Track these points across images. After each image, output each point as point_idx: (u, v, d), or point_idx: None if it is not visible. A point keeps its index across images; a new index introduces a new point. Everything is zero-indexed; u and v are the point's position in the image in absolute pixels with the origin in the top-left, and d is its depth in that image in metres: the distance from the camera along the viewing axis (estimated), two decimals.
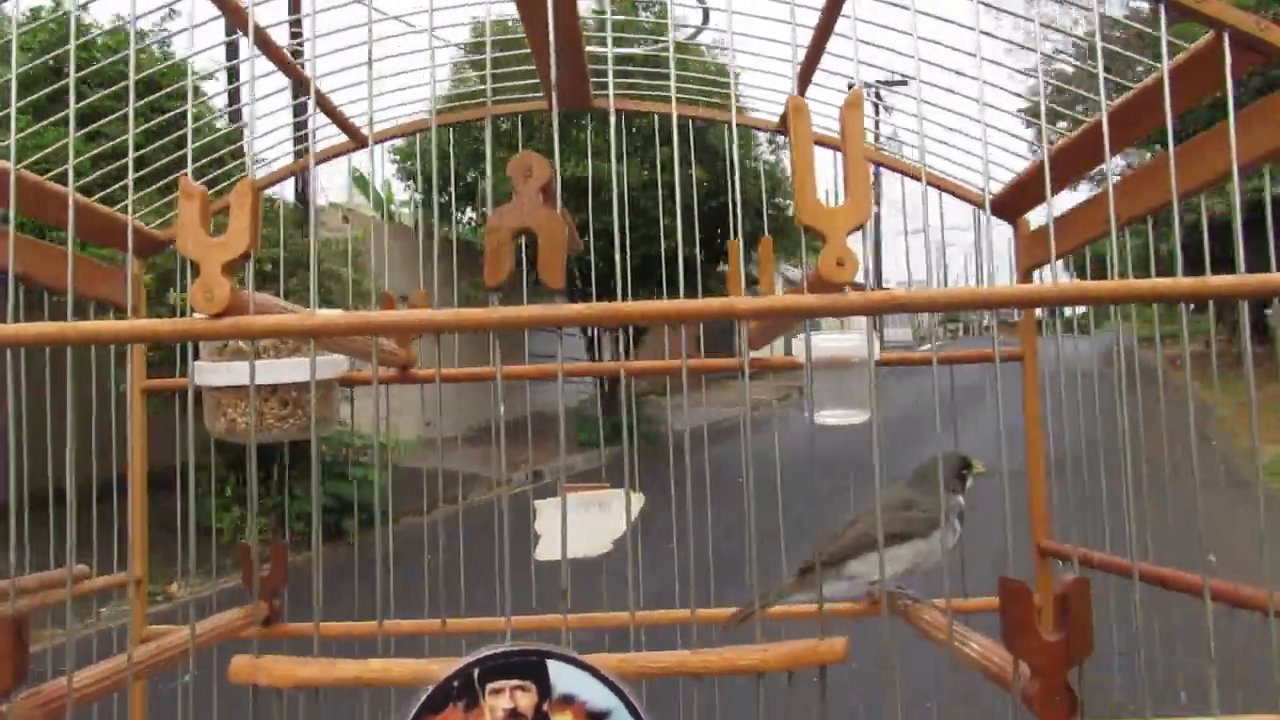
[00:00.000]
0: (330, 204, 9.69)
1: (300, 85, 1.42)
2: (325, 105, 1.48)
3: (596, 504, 1.56)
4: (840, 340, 1.55)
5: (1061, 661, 0.88)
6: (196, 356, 1.43)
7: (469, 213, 12.30)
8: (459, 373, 1.67)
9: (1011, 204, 1.53)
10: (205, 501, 5.35)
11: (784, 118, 0.92)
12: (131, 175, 1.31)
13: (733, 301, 0.90)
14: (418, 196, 12.39)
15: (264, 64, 1.42)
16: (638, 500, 1.58)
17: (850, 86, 0.97)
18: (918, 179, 1.14)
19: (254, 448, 1.00)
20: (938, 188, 1.54)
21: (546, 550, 1.54)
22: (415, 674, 0.86)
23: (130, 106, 1.11)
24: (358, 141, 1.61)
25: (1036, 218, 1.62)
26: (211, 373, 1.38)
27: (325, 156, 1.65)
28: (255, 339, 0.90)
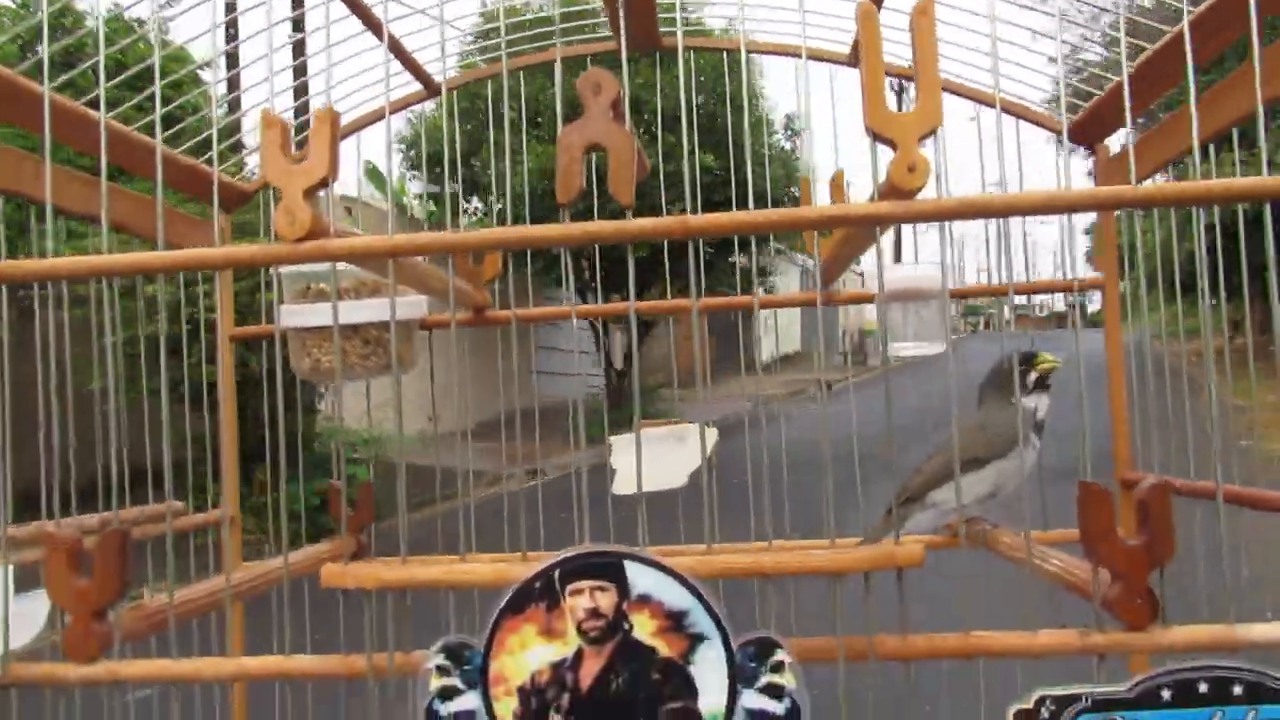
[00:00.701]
0: (342, 196, 9.64)
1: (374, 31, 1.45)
2: (398, 50, 1.51)
3: (673, 438, 1.57)
4: (914, 272, 1.53)
5: (1142, 565, 0.88)
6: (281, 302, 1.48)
7: (475, 202, 11.98)
8: (535, 313, 1.69)
9: (1090, 129, 1.50)
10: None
11: (855, 46, 0.91)
12: (216, 125, 1.35)
13: (802, 211, 0.91)
14: (431, 187, 12.14)
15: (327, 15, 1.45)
16: (712, 435, 1.59)
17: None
18: (991, 105, 1.13)
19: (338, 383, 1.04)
20: (1013, 114, 1.52)
21: (623, 485, 1.56)
22: (498, 576, 0.88)
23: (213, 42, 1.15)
24: (430, 90, 1.64)
25: (1116, 144, 1.59)
26: (297, 315, 1.43)
27: (399, 106, 1.68)
28: (336, 260, 0.93)
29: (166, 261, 0.95)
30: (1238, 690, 0.88)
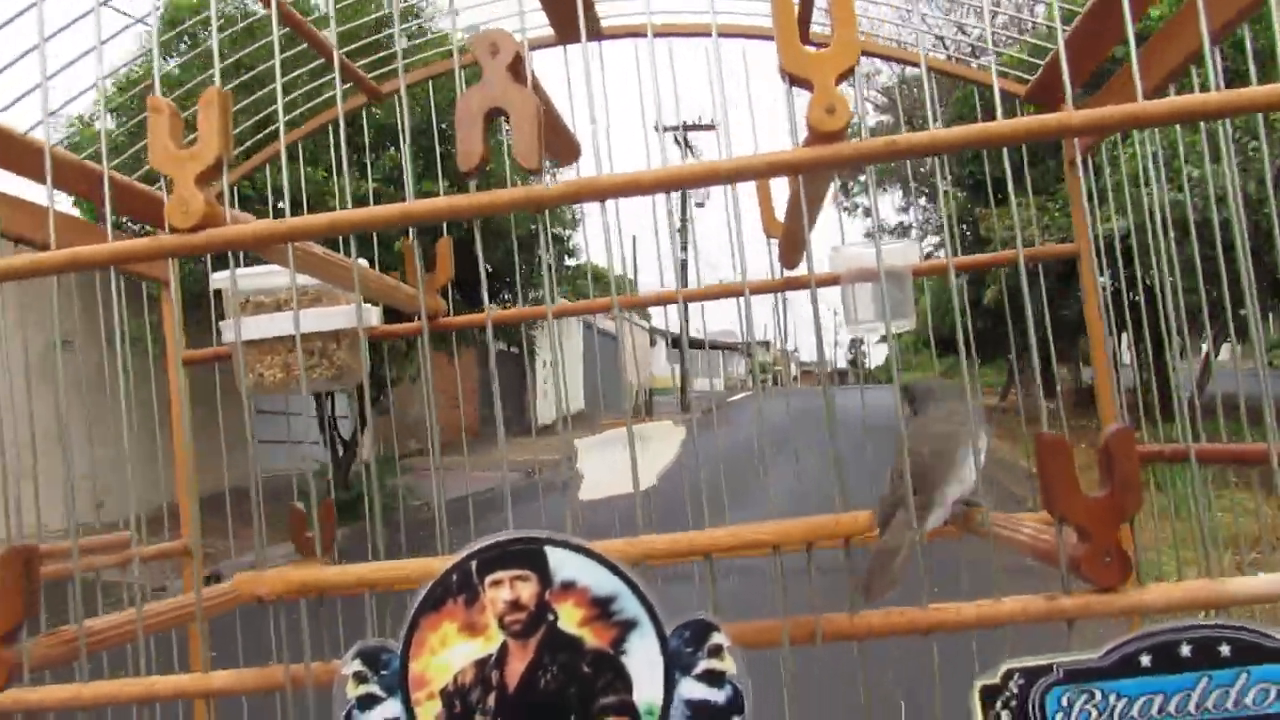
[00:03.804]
0: None
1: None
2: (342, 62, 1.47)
3: (637, 438, 1.51)
4: (872, 249, 1.48)
5: (1109, 518, 0.81)
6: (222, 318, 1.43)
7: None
8: (514, 314, 1.63)
9: (1048, 90, 1.44)
10: None
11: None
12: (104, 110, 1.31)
13: (715, 165, 0.85)
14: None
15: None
16: (678, 433, 1.53)
17: None
18: (915, 64, 1.07)
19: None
20: (954, 76, 1.45)
21: (588, 490, 1.50)
22: (413, 572, 0.82)
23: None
24: (370, 94, 1.59)
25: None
26: (233, 329, 1.38)
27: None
28: (232, 250, 0.88)
29: (57, 262, 0.90)
30: (1225, 651, 0.80)
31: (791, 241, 1.33)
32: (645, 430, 1.52)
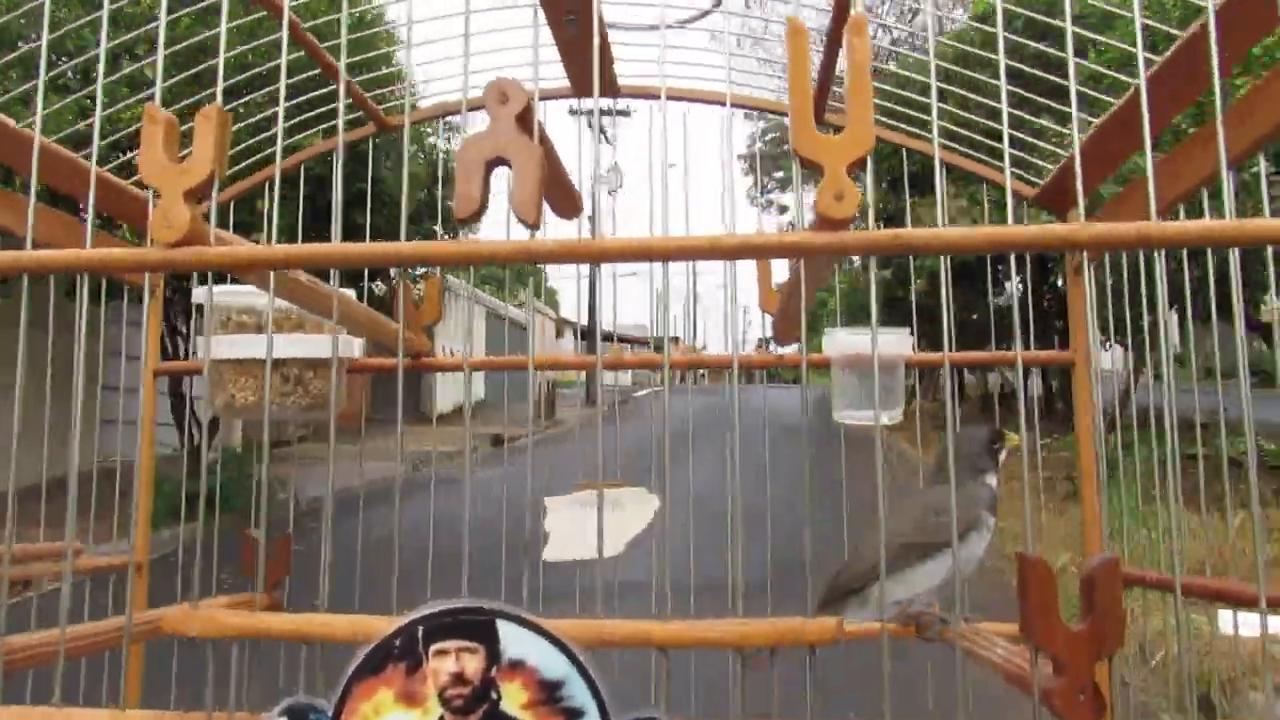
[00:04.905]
0: None
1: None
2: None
3: (610, 503, 1.47)
4: (866, 337, 1.45)
5: (1087, 654, 0.77)
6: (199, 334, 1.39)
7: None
8: (491, 361, 1.60)
9: (1057, 195, 1.43)
10: None
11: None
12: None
13: (719, 238, 0.82)
14: None
15: None
16: (653, 501, 1.50)
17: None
18: (928, 154, 1.05)
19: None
20: (966, 171, 1.44)
21: (555, 550, 1.46)
22: (355, 630, 0.78)
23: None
24: (379, 124, 1.58)
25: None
26: (214, 346, 1.34)
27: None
28: (212, 269, 0.85)
29: (34, 262, 0.87)
30: None
31: (786, 318, 1.30)
32: (619, 496, 1.48)
